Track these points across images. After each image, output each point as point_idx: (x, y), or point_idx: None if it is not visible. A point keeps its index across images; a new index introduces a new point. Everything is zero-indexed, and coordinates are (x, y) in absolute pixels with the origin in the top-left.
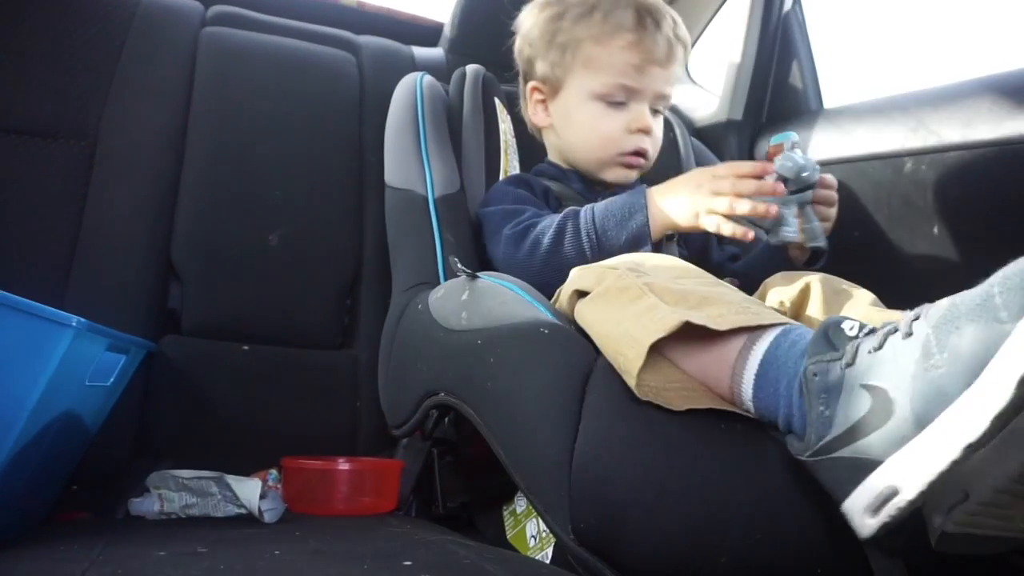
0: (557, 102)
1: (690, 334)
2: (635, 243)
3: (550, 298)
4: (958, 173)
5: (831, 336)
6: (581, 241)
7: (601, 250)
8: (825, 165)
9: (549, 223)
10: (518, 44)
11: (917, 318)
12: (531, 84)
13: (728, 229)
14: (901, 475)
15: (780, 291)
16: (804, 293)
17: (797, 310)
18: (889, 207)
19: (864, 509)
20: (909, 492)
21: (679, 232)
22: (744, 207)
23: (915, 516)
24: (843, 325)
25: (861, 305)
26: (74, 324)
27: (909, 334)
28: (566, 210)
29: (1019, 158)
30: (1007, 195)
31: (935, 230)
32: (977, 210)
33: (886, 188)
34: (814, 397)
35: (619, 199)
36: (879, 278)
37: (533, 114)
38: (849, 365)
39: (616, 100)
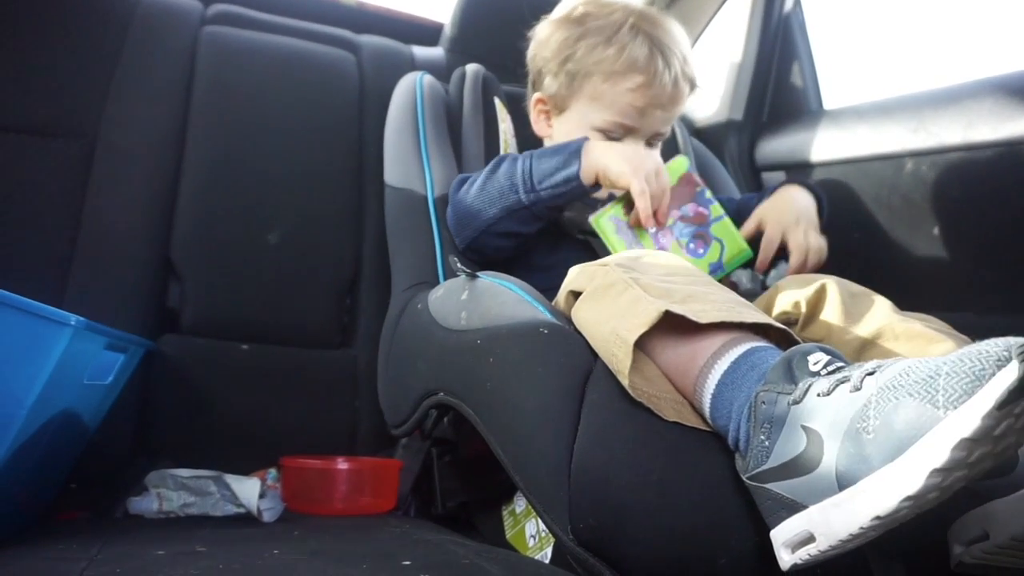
0: (560, 120)
1: (671, 330)
2: (565, 164)
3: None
4: (959, 174)
5: (793, 365)
6: (516, 166)
7: (532, 173)
8: (825, 165)
9: (491, 163)
10: (531, 51)
11: (871, 373)
12: (537, 95)
13: (642, 203)
14: (817, 526)
15: (794, 292)
16: (819, 294)
17: (812, 311)
18: (889, 207)
19: (784, 544)
20: (823, 544)
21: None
22: (644, 206)
23: (936, 533)
24: (809, 357)
25: (881, 312)
26: (73, 323)
27: (857, 388)
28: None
29: (1019, 159)
30: (1007, 196)
31: (935, 230)
32: (977, 211)
33: (887, 188)
34: (758, 425)
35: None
36: (878, 278)
37: (535, 122)
38: (796, 403)
39: (613, 135)
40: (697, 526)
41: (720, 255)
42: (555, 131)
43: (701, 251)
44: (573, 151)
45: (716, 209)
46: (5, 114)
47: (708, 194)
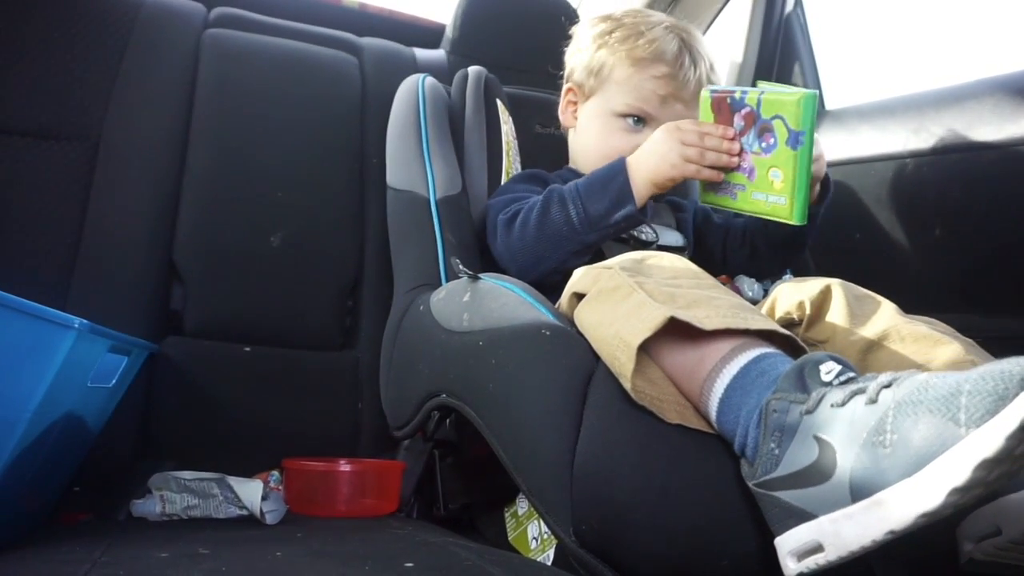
0: (585, 108)
1: (676, 335)
2: (619, 203)
3: (551, 283)
4: (960, 175)
5: (805, 374)
6: (567, 208)
7: (588, 216)
8: (827, 166)
9: (535, 200)
10: (569, 48)
11: (888, 386)
12: (568, 85)
13: (706, 173)
14: (827, 536)
15: (798, 293)
16: (824, 296)
17: (816, 313)
18: (891, 208)
19: (790, 552)
20: (831, 554)
21: (663, 193)
22: (712, 157)
23: (943, 533)
24: (821, 366)
25: (886, 314)
26: (76, 326)
27: (873, 401)
28: (550, 186)
29: (1020, 160)
30: (1009, 196)
31: (937, 231)
32: (979, 211)
33: (888, 189)
34: (768, 432)
35: (600, 169)
36: (880, 278)
37: (563, 112)
38: (809, 412)
39: (633, 121)
40: (699, 528)
41: (786, 127)
42: (580, 121)
43: (772, 141)
44: (621, 184)
45: (752, 97)
46: (8, 117)
47: (738, 93)
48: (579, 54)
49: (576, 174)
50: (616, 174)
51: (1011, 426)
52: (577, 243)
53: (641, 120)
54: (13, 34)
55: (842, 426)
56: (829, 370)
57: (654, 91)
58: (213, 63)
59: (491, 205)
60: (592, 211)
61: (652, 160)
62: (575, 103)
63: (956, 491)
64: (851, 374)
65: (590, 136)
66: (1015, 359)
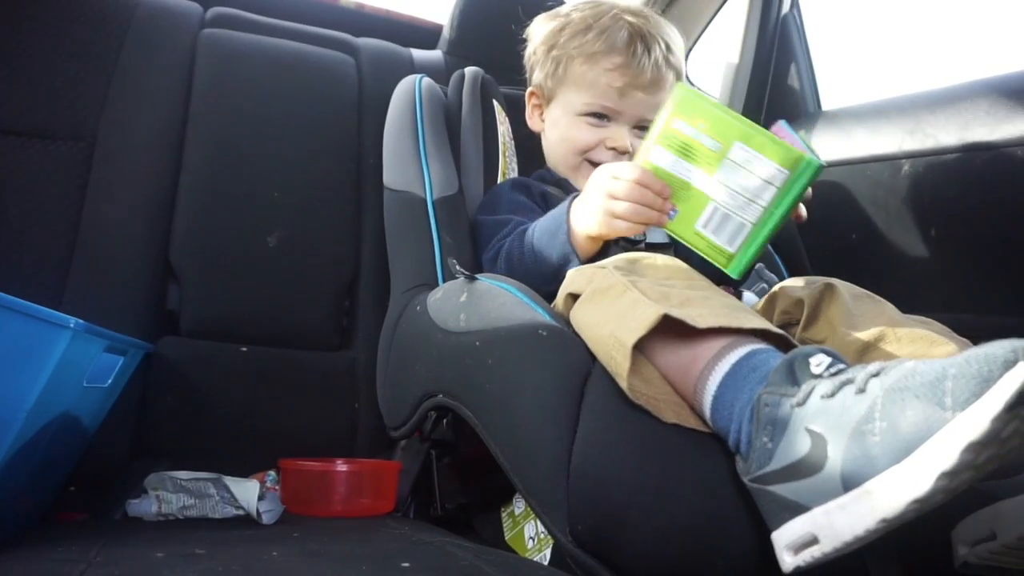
0: (549, 111)
1: (670, 334)
2: (564, 262)
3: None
4: (955, 175)
5: (795, 368)
6: (526, 264)
7: (543, 272)
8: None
9: (510, 244)
10: (527, 50)
11: (875, 375)
12: (529, 89)
13: (638, 229)
14: (821, 528)
15: (797, 291)
16: (822, 295)
17: (814, 312)
18: (886, 209)
19: (786, 546)
20: (827, 546)
21: (608, 240)
22: (639, 216)
23: (939, 536)
24: (811, 359)
25: (884, 314)
26: (72, 325)
27: (862, 390)
28: (520, 228)
29: (1016, 160)
30: (1004, 197)
31: (932, 232)
32: (974, 212)
33: (884, 190)
34: (761, 427)
35: (554, 211)
36: (875, 279)
37: (529, 118)
38: (799, 405)
39: (596, 118)
40: (696, 528)
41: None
42: (546, 125)
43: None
44: (563, 242)
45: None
46: (4, 116)
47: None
48: (535, 56)
49: (552, 174)
50: (559, 226)
51: (996, 408)
52: (552, 283)
53: (604, 115)
54: (9, 33)
55: (832, 417)
56: (819, 363)
57: (609, 84)
58: (209, 63)
59: (480, 223)
60: (545, 269)
61: (584, 215)
62: (540, 107)
63: (945, 475)
64: (841, 366)
65: (556, 137)
66: (999, 342)
